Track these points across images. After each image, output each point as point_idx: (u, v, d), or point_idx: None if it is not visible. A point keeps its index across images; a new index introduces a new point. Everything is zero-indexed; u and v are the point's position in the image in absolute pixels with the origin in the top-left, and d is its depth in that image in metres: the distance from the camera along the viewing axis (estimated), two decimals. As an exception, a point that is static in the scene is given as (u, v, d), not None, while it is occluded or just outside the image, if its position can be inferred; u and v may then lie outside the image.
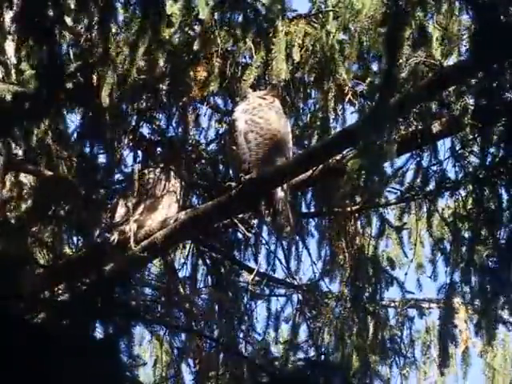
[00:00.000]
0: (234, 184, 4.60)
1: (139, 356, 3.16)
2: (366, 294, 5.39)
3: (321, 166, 4.72)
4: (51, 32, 4.43)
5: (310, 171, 4.72)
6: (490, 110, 4.23)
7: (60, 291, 4.86)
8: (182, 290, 5.44)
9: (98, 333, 3.31)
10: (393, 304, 5.58)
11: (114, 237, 4.96)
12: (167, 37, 4.96)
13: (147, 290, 5.49)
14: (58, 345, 3.07)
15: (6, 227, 4.76)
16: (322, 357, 5.32)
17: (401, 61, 4.19)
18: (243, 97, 4.86)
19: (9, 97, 4.50)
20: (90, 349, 3.12)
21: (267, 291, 5.62)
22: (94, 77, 5.06)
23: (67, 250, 5.24)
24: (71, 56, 5.12)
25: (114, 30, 5.02)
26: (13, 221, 4.94)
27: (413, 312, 5.65)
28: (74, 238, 5.26)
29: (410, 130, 4.72)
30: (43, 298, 4.35)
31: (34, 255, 4.99)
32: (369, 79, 4.87)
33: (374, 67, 4.94)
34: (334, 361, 5.17)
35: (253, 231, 5.48)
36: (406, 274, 5.45)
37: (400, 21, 3.74)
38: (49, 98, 4.51)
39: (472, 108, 4.52)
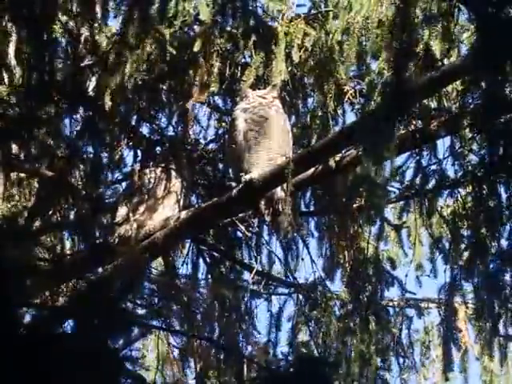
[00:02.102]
0: (234, 184, 4.61)
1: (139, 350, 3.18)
2: (366, 294, 5.40)
3: (321, 166, 4.74)
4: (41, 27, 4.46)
5: (311, 171, 4.74)
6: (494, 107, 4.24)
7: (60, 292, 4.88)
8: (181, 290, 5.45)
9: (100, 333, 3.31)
10: (391, 304, 5.59)
11: (115, 237, 4.98)
12: (168, 37, 4.98)
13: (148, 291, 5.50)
14: (59, 345, 3.09)
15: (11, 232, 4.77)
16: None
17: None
18: (243, 96, 4.87)
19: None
20: (91, 347, 3.14)
21: (267, 291, 5.62)
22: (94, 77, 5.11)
23: (68, 251, 5.25)
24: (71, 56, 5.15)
25: (114, 30, 5.07)
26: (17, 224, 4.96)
27: (411, 312, 5.66)
28: (75, 238, 5.26)
29: (410, 129, 4.73)
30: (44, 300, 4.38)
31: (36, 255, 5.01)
32: (368, 79, 4.88)
33: (373, 67, 4.95)
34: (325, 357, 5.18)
35: (253, 230, 5.50)
36: (406, 275, 5.48)
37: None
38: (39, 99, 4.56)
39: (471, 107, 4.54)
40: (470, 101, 4.51)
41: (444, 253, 5.12)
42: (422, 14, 4.35)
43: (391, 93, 4.02)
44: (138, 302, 5.12)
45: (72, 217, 5.22)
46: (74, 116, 5.23)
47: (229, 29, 5.08)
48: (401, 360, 5.59)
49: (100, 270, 5.00)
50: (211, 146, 5.52)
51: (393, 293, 5.57)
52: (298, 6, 5.16)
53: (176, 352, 5.51)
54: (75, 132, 5.21)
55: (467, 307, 5.32)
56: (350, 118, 5.16)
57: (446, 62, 4.55)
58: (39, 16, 4.95)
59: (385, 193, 4.57)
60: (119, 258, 4.79)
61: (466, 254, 4.83)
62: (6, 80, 5.02)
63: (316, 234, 5.46)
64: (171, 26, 4.98)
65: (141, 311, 5.13)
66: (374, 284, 5.40)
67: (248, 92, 4.87)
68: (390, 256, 5.54)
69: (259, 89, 5.00)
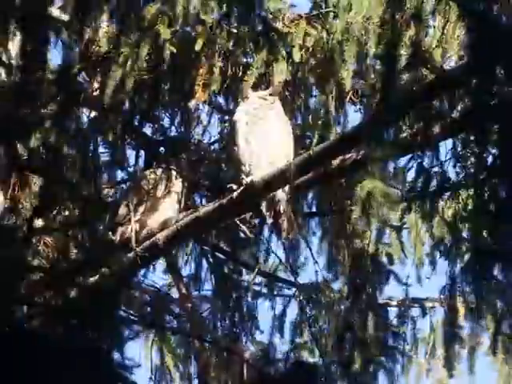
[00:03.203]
0: (235, 186, 4.61)
1: (132, 359, 3.20)
2: (368, 292, 5.42)
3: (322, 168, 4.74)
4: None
5: (312, 173, 4.74)
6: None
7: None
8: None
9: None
10: (395, 303, 5.60)
11: (116, 237, 5.00)
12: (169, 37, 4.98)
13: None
14: (53, 347, 3.11)
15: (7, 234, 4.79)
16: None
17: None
18: (244, 97, 4.86)
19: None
20: (84, 350, 3.16)
21: (269, 291, 5.65)
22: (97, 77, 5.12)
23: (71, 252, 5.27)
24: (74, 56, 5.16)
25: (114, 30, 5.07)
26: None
27: (416, 311, 5.68)
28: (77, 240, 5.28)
29: (411, 131, 4.71)
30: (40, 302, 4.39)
31: (37, 257, 5.03)
32: (369, 79, 4.87)
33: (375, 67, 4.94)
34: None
35: (255, 231, 5.50)
36: (407, 276, 5.49)
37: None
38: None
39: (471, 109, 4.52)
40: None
41: (445, 254, 5.13)
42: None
43: (382, 94, 4.01)
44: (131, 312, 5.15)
45: (73, 218, 5.23)
46: (77, 116, 5.24)
47: (233, 30, 5.07)
48: (404, 358, 5.61)
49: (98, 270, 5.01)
50: (214, 146, 5.52)
51: (395, 292, 5.60)
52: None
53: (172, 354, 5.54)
54: (77, 132, 5.21)
55: (468, 307, 5.33)
56: (352, 118, 5.18)
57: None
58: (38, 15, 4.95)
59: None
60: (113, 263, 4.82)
61: (466, 256, 4.84)
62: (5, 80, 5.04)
63: (318, 233, 5.49)
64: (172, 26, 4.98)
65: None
66: (374, 282, 5.42)
67: (249, 93, 4.86)
68: (391, 253, 5.54)
69: (260, 88, 4.99)
